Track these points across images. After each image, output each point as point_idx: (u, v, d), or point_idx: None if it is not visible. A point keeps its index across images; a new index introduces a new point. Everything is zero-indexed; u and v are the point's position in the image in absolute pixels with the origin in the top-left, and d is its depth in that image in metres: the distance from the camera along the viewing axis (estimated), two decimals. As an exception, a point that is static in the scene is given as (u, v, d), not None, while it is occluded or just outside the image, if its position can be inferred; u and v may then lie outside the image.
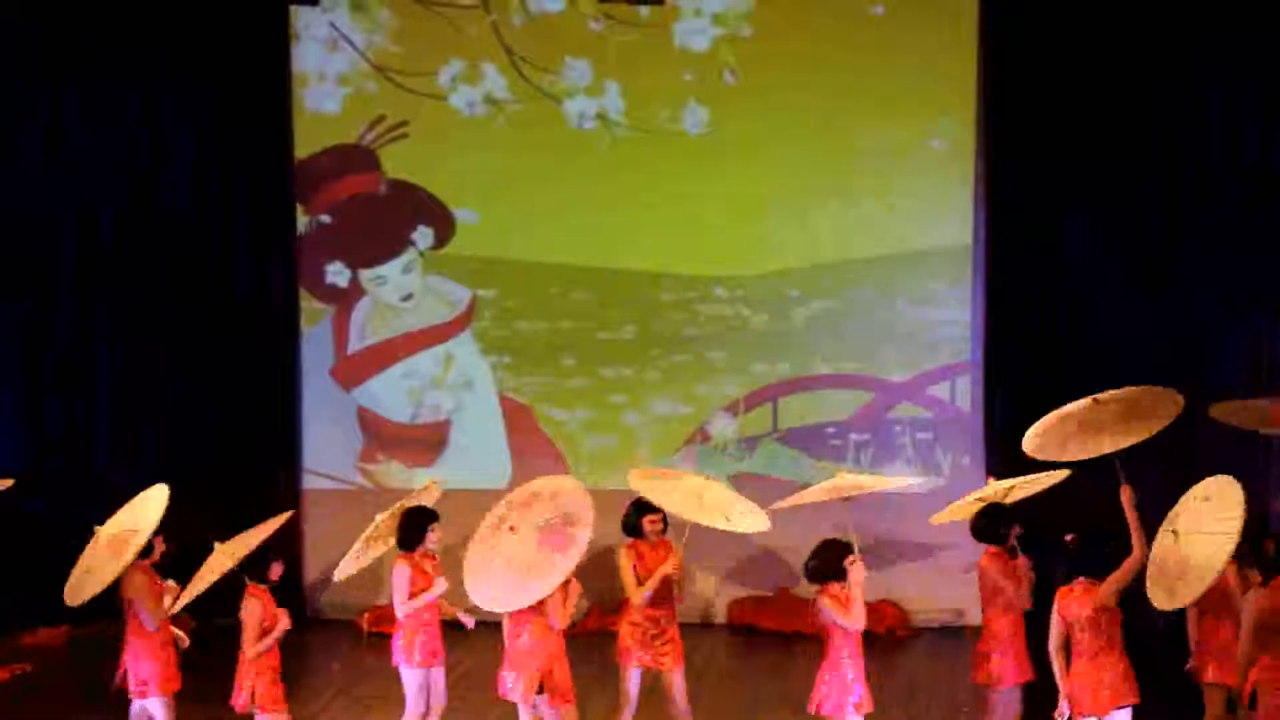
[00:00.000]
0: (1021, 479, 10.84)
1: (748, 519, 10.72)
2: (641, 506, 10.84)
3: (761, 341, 14.64)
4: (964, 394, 14.49)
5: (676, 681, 10.78)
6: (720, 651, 13.81)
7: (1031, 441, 10.25)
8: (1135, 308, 13.83)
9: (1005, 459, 13.92)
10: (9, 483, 10.91)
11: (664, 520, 10.80)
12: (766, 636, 14.23)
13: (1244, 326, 13.59)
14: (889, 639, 14.14)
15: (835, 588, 9.36)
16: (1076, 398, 13.66)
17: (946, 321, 14.45)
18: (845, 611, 9.25)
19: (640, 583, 10.59)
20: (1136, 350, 13.79)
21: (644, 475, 11.03)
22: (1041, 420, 10.21)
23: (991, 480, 11.05)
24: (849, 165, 14.35)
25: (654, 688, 10.99)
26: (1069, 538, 9.53)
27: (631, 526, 10.81)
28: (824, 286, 14.53)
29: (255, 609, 9.82)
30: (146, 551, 10.18)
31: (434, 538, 10.64)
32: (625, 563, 10.73)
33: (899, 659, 13.72)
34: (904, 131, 14.25)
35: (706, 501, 10.61)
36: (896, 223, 14.39)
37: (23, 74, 14.12)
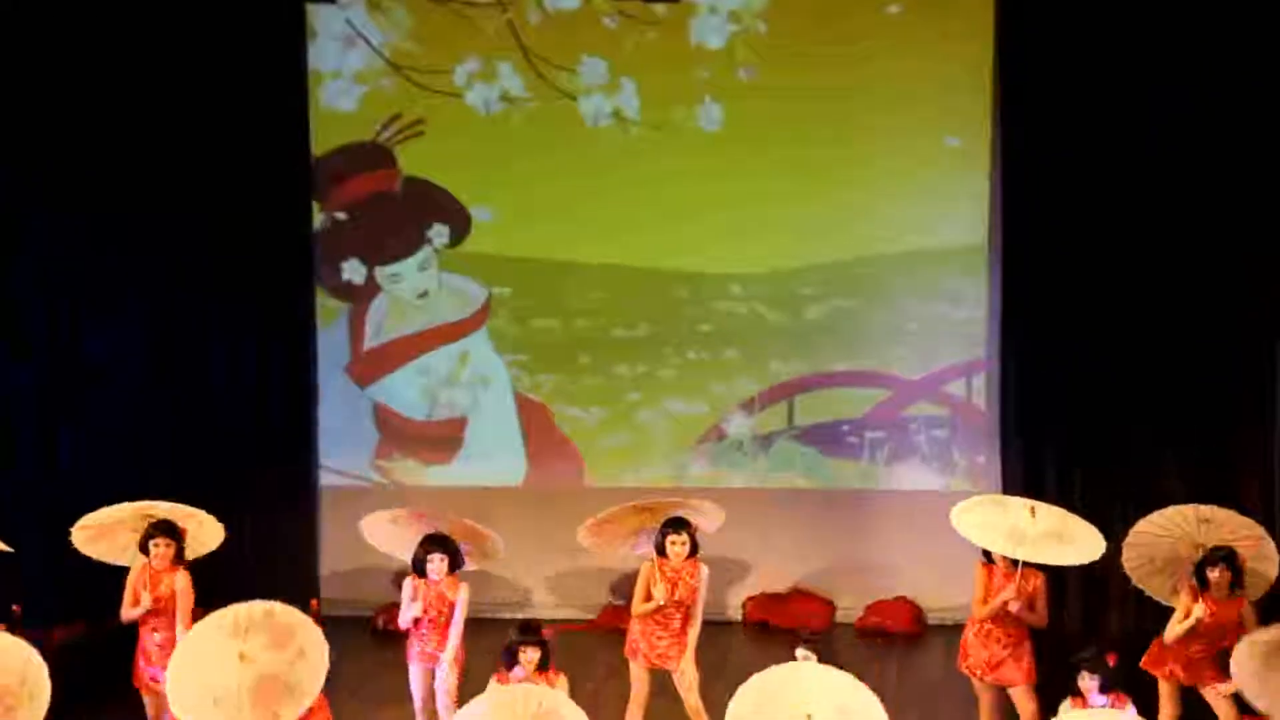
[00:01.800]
0: (1057, 519, 10.76)
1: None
2: (668, 527, 10.89)
3: (777, 339, 14.63)
4: (979, 391, 14.48)
5: (687, 680, 10.83)
6: (735, 648, 13.81)
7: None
8: (1150, 305, 13.78)
9: (1020, 457, 14.03)
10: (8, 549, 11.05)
11: (692, 543, 10.84)
12: (781, 633, 14.22)
13: (1257, 325, 13.54)
14: (905, 636, 14.18)
15: None
16: (1091, 395, 13.81)
17: (962, 319, 14.43)
18: None
19: (649, 598, 10.77)
20: (1152, 347, 13.78)
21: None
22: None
23: (1035, 511, 10.75)
24: (864, 162, 14.32)
25: (667, 684, 11.04)
26: (1112, 658, 9.51)
27: (658, 546, 10.88)
28: (839, 284, 14.52)
29: None
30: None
31: None
32: (642, 577, 10.84)
33: (915, 656, 13.72)
34: (919, 128, 14.22)
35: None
36: (912, 220, 14.35)
37: (26, 75, 14.10)
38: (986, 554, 10.67)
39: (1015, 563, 10.47)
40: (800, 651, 9.54)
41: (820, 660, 9.43)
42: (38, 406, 14.30)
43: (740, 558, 14.36)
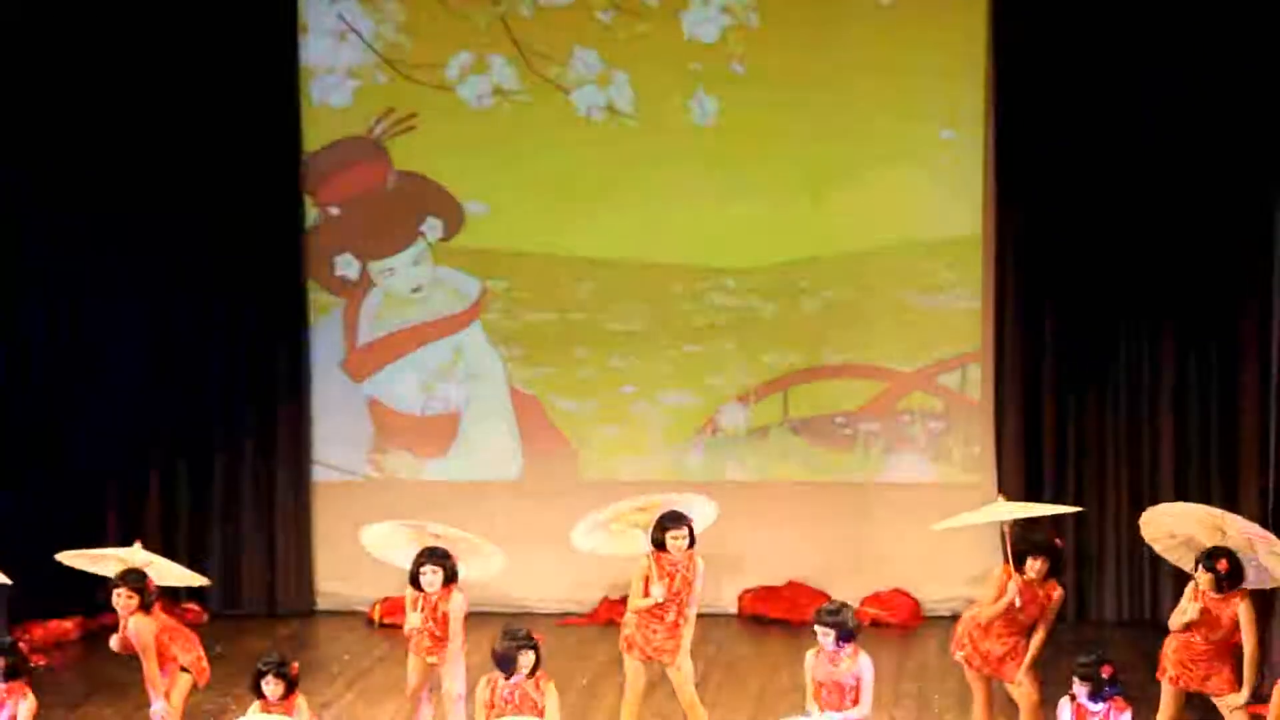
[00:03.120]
0: (1031, 505, 11.16)
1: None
2: (667, 522, 10.87)
3: (771, 331, 14.60)
4: (974, 383, 14.46)
5: (682, 674, 10.83)
6: (730, 641, 13.80)
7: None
8: (1145, 298, 13.81)
9: (1015, 449, 14.04)
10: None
11: (690, 536, 10.83)
12: (776, 626, 14.23)
13: (1257, 315, 13.56)
14: (902, 628, 14.18)
15: None
16: (1086, 386, 13.85)
17: (956, 311, 14.41)
18: None
19: (647, 594, 10.76)
20: (1148, 339, 13.81)
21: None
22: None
23: (1001, 498, 11.15)
24: (858, 154, 14.29)
25: (664, 678, 11.04)
26: (1107, 671, 9.48)
27: (657, 540, 10.86)
28: (834, 276, 14.49)
29: None
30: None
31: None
32: (639, 572, 10.85)
33: (912, 647, 13.72)
34: (913, 120, 14.19)
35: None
36: (906, 212, 14.33)
37: (21, 75, 14.06)
38: (1018, 560, 10.62)
39: (1049, 576, 10.48)
40: (820, 629, 9.49)
41: (845, 630, 9.43)
42: (30, 405, 14.25)
43: (735, 550, 14.32)
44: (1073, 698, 9.36)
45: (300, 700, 9.58)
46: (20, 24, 13.89)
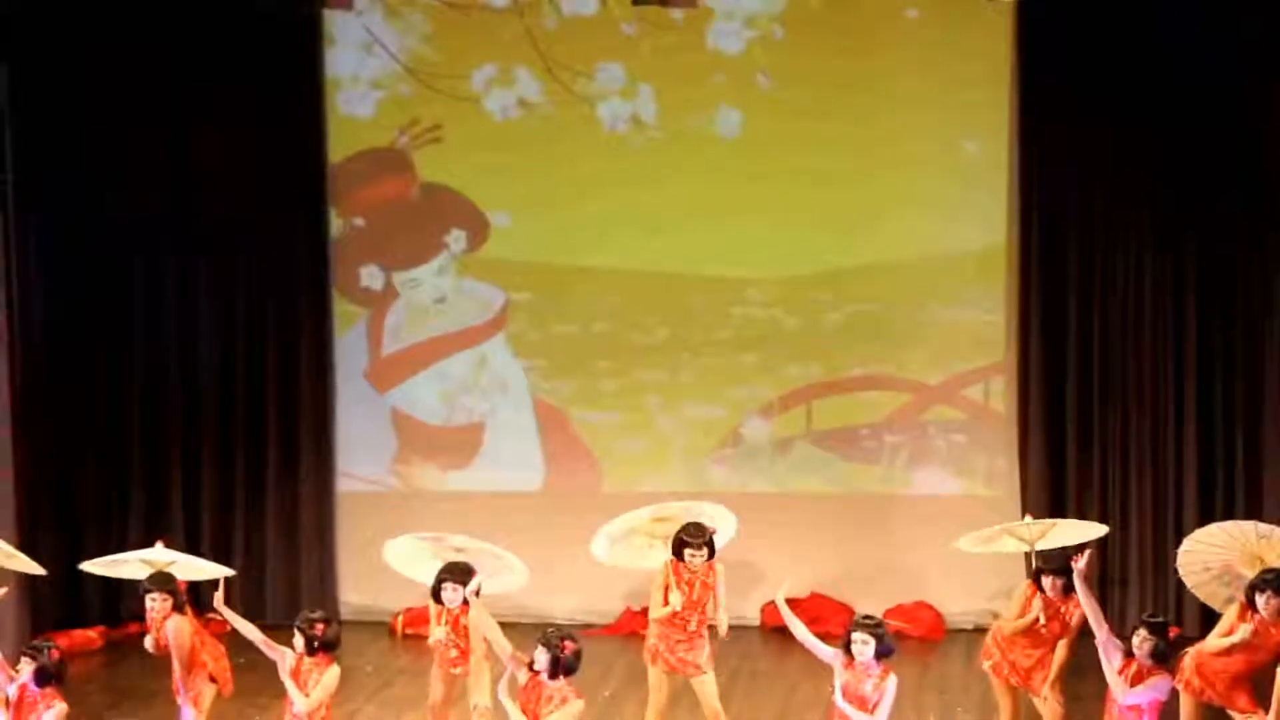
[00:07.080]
0: (1057, 523, 11.21)
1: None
2: (685, 534, 10.87)
3: (795, 344, 14.60)
4: (998, 396, 14.45)
5: (706, 685, 10.83)
6: (753, 653, 13.79)
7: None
8: (1168, 309, 13.80)
9: (1039, 461, 14.03)
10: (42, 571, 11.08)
11: (709, 548, 10.82)
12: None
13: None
14: (925, 640, 14.15)
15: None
16: (1109, 398, 13.83)
17: (980, 323, 14.40)
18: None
19: (667, 602, 10.74)
20: (1170, 346, 13.79)
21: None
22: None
23: (1029, 518, 11.29)
24: (882, 167, 14.29)
25: (687, 689, 11.04)
26: (1174, 630, 9.57)
27: (676, 549, 10.87)
28: (857, 288, 14.49)
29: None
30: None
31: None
32: (659, 580, 10.85)
33: (934, 661, 13.70)
34: (937, 133, 14.20)
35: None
36: (930, 224, 14.33)
37: (55, 85, 14.11)
38: (1037, 577, 10.62)
39: (1065, 591, 10.46)
40: (859, 635, 9.42)
41: (884, 646, 9.31)
42: (55, 415, 14.27)
43: (758, 563, 14.32)
44: (1126, 654, 9.38)
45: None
46: (49, 37, 13.95)
